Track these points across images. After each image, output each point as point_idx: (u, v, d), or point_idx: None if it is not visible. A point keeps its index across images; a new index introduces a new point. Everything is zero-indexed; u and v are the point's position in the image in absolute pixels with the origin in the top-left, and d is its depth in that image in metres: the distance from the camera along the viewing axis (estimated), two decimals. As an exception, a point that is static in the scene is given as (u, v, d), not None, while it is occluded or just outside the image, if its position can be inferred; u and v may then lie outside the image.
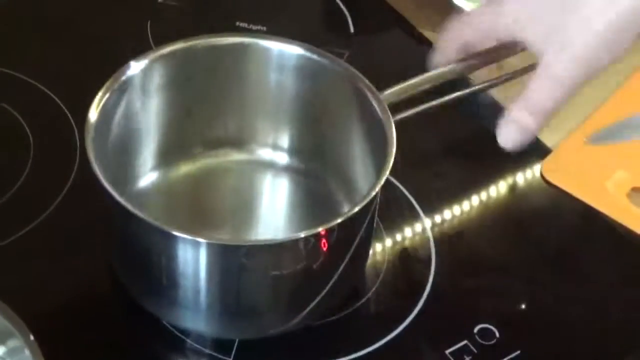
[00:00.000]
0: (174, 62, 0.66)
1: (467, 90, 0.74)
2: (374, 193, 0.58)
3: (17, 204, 0.69)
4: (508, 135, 0.62)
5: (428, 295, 0.65)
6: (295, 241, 0.57)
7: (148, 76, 0.65)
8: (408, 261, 0.67)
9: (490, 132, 0.77)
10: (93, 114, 0.61)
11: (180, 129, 0.69)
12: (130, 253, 0.61)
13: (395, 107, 0.65)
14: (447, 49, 0.67)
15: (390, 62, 0.81)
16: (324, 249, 0.58)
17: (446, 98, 0.71)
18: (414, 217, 0.70)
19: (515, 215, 0.72)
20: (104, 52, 0.80)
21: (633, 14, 0.58)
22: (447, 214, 0.71)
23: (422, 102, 0.69)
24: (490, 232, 0.71)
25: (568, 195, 0.73)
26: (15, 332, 0.52)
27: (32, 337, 0.52)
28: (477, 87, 0.74)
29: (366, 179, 0.64)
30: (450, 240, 0.70)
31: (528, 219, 0.72)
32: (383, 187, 0.59)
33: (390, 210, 0.69)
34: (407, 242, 0.67)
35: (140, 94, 0.65)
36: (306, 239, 0.57)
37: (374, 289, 0.66)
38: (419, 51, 0.82)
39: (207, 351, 0.62)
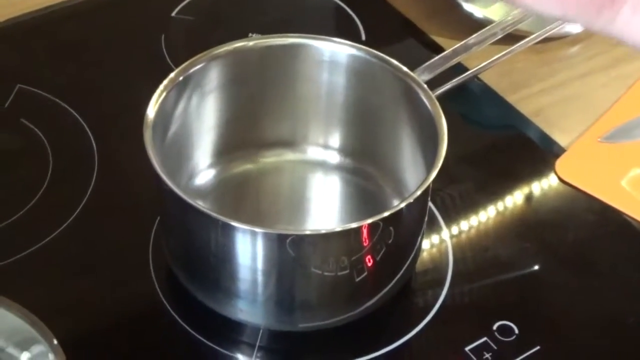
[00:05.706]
0: (228, 63, 0.67)
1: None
2: (424, 187, 0.59)
3: (34, 217, 0.70)
4: None
5: (446, 294, 0.66)
6: (351, 230, 0.58)
7: (205, 76, 0.66)
8: (426, 260, 0.68)
9: (501, 136, 0.78)
10: (151, 111, 0.61)
11: (234, 128, 0.70)
12: (188, 248, 0.62)
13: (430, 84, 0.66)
14: None
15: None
16: (372, 242, 0.58)
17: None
18: (430, 218, 0.70)
19: (531, 214, 0.72)
20: (121, 67, 0.82)
21: None
22: (463, 214, 0.71)
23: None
24: (507, 231, 0.71)
25: (583, 194, 0.73)
26: (39, 337, 0.53)
27: (55, 342, 0.53)
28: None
29: (417, 176, 0.64)
30: (467, 240, 0.70)
31: (544, 218, 0.72)
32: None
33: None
34: (424, 242, 0.68)
35: (197, 93, 0.66)
36: (356, 229, 0.57)
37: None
38: (431, 58, 0.83)
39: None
